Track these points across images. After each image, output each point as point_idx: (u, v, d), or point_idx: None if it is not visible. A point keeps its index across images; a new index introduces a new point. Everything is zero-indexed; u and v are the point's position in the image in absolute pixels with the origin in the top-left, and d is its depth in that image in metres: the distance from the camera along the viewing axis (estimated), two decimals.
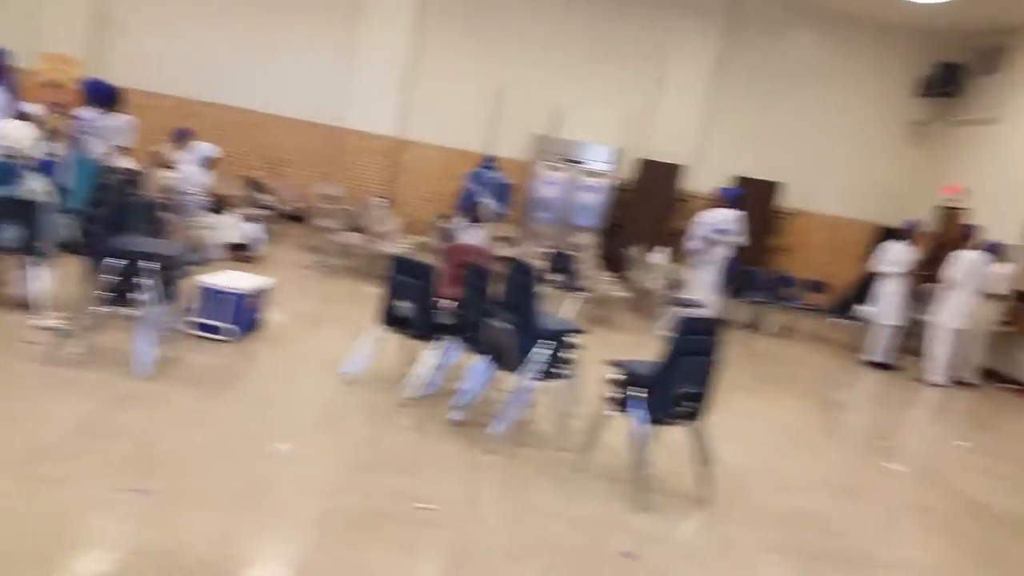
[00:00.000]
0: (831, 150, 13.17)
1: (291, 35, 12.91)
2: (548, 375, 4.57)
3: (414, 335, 5.25)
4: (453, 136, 13.14)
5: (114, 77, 9.21)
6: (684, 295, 9.11)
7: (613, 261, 10.93)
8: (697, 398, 4.17)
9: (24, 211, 5.44)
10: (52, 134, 8.96)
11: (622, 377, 4.27)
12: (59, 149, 8.63)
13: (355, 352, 5.35)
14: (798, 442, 5.98)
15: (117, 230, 4.96)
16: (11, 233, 5.46)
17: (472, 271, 5.11)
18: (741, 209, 10.05)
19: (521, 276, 4.71)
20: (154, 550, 2.94)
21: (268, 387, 5.02)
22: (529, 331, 4.48)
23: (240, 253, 8.73)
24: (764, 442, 5.73)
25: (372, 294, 8.49)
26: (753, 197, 11.57)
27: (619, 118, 13.17)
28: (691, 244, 10.01)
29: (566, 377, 4.70)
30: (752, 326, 10.21)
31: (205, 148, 8.82)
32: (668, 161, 12.74)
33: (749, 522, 4.22)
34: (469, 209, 9.83)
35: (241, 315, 5.74)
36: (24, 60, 9.12)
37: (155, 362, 4.79)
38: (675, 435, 4.46)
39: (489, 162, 11.72)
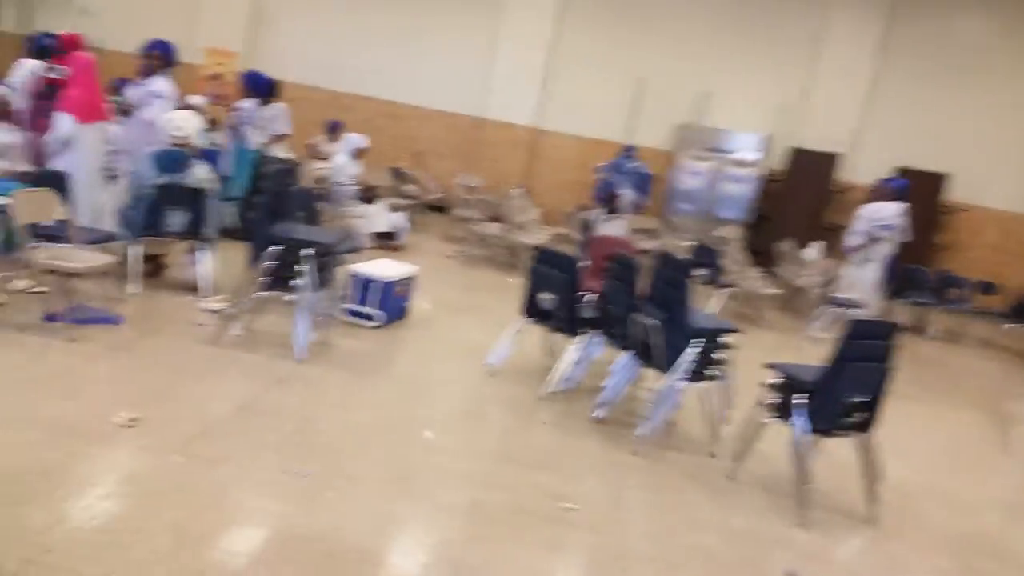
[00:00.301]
0: (1004, 141, 12.06)
1: (434, 27, 13.10)
2: (698, 376, 4.37)
3: (556, 328, 5.16)
4: (592, 125, 12.98)
5: (269, 70, 9.64)
6: (842, 294, 8.58)
7: (761, 256, 10.44)
8: (867, 408, 3.86)
9: (191, 198, 5.74)
10: (213, 124, 9.50)
11: (782, 382, 4.02)
12: (220, 138, 9.14)
13: (498, 343, 5.32)
14: (971, 458, 5.48)
15: (277, 218, 5.13)
16: (179, 219, 5.77)
17: (618, 264, 4.97)
18: (905, 202, 9.37)
19: (671, 271, 4.53)
20: (308, 533, 2.99)
21: (416, 374, 5.08)
22: (679, 329, 4.29)
23: (387, 242, 8.94)
24: (933, 457, 5.28)
25: (513, 284, 8.54)
26: (917, 189, 10.75)
27: (768, 105, 12.60)
28: (852, 239, 9.41)
29: (718, 379, 4.47)
30: (915, 329, 9.49)
31: (355, 139, 9.06)
32: (822, 150, 12.05)
33: (919, 543, 3.88)
34: (607, 200, 9.66)
35: (390, 302, 5.84)
36: (188, 55, 9.69)
37: (311, 345, 4.95)
38: (837, 446, 4.18)
39: (629, 152, 11.47)
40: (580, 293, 5.06)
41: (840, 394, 3.78)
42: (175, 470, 3.29)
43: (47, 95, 6.57)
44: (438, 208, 12.35)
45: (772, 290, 8.63)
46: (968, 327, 9.51)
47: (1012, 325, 9.20)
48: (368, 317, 5.76)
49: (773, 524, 3.75)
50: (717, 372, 4.44)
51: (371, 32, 13.24)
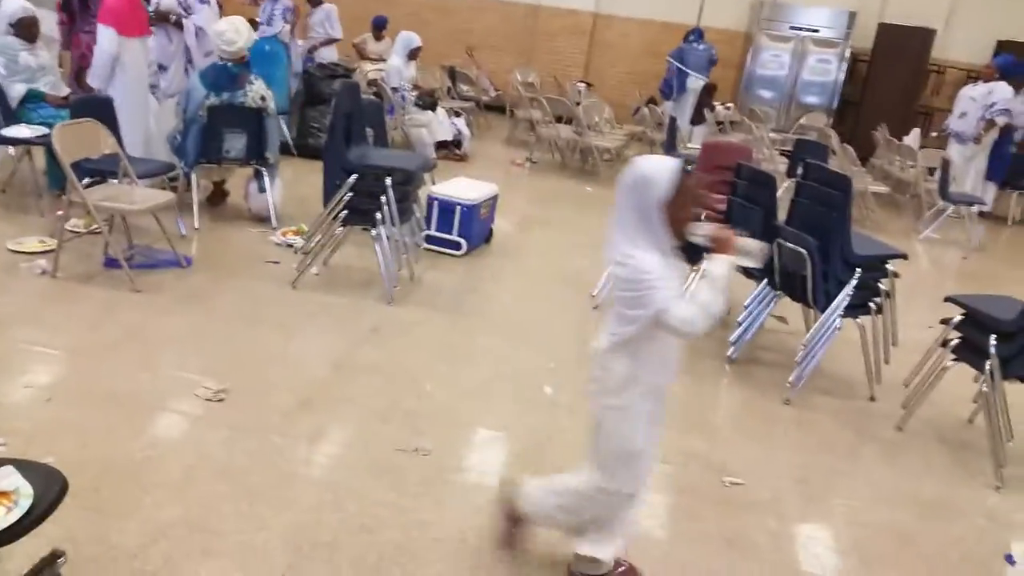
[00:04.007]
0: None
1: None
2: (858, 310, 3.75)
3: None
4: (659, 7, 11.87)
5: None
6: (955, 188, 7.77)
7: (850, 145, 9.56)
8: None
9: (249, 119, 5.13)
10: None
11: (966, 319, 3.40)
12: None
13: (600, 272, 4.74)
14: None
15: (350, 140, 4.50)
16: (237, 143, 5.19)
17: (746, 180, 4.29)
18: (1020, 82, 8.39)
19: (826, 187, 3.84)
20: (440, 534, 2.52)
21: (516, 313, 4.53)
22: (838, 258, 3.65)
23: (450, 151, 8.26)
24: None
25: (591, 193, 7.89)
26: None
27: None
28: (957, 124, 8.50)
29: (879, 313, 3.85)
30: None
31: (408, 37, 8.19)
32: (914, 25, 10.88)
33: None
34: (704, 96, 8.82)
35: (474, 227, 5.26)
36: None
37: (398, 284, 4.44)
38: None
39: (695, 36, 10.39)
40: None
41: None
42: (276, 457, 2.82)
43: (72, 7, 5.90)
44: (495, 108, 11.55)
45: (878, 187, 7.82)
46: None
47: None
48: (454, 245, 5.20)
49: (964, 488, 3.20)
50: (879, 305, 3.81)
51: None
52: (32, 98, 5.35)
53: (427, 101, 8.07)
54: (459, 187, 5.38)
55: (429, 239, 5.23)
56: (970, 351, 3.37)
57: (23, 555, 2.07)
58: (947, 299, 3.51)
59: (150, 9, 5.67)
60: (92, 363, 3.33)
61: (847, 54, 10.92)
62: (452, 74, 10.83)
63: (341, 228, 4.42)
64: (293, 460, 2.82)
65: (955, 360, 3.45)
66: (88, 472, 2.57)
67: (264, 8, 7.69)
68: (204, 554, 2.29)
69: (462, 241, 5.21)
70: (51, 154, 4.79)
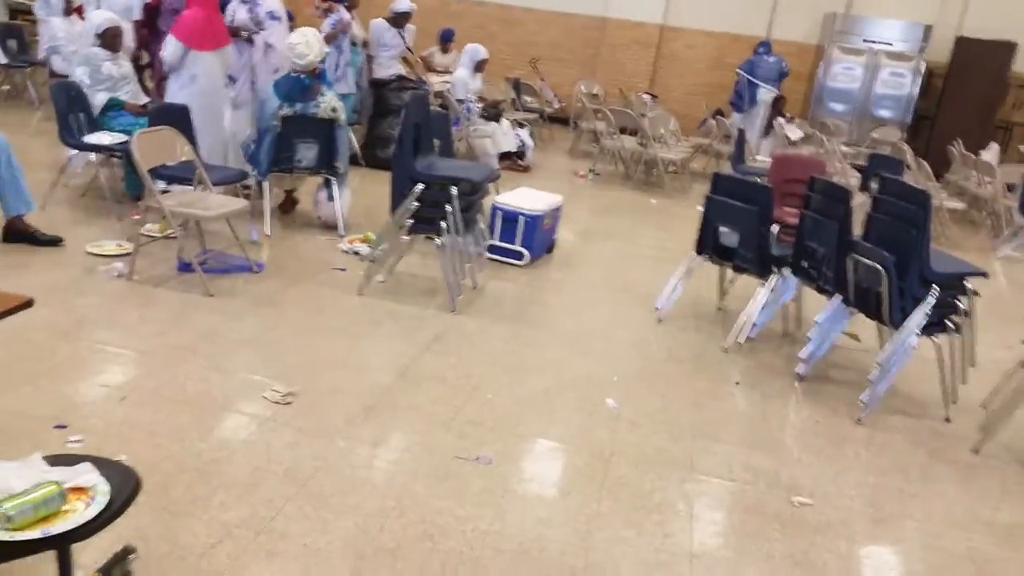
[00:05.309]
0: None
1: None
2: (934, 328, 3.61)
3: (741, 268, 4.47)
4: (728, 19, 11.75)
5: None
6: None
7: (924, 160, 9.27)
8: None
9: (320, 129, 5.23)
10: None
11: None
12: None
13: (664, 283, 4.68)
14: None
15: (418, 150, 4.55)
16: (309, 153, 5.29)
17: (821, 194, 4.19)
18: None
19: (906, 202, 3.72)
20: (501, 544, 2.50)
21: (578, 323, 4.50)
22: (916, 274, 3.53)
23: (513, 162, 8.29)
24: None
25: (655, 205, 7.83)
26: None
27: None
28: None
29: (956, 332, 3.71)
30: None
31: (475, 50, 8.30)
32: (994, 38, 10.53)
33: None
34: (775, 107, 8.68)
35: (537, 237, 5.26)
36: None
37: (461, 293, 4.46)
38: None
39: (764, 48, 10.23)
40: (769, 227, 4.33)
41: None
42: (340, 461, 2.85)
43: (153, 20, 6.12)
44: (559, 120, 11.56)
45: (955, 203, 7.56)
46: None
47: None
48: (517, 255, 5.20)
49: None
50: (957, 322, 3.67)
51: None
52: (113, 106, 5.56)
53: (492, 112, 8.13)
54: (523, 197, 5.38)
55: (492, 249, 5.25)
56: None
57: (97, 549, 2.13)
58: None
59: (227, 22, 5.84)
60: (165, 364, 3.42)
61: (922, 68, 10.62)
62: (516, 86, 10.89)
63: (407, 237, 4.46)
64: (357, 465, 2.84)
65: None
66: (159, 471, 2.64)
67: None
68: (269, 556, 2.32)
69: (525, 251, 5.21)
70: (129, 160, 4.97)
